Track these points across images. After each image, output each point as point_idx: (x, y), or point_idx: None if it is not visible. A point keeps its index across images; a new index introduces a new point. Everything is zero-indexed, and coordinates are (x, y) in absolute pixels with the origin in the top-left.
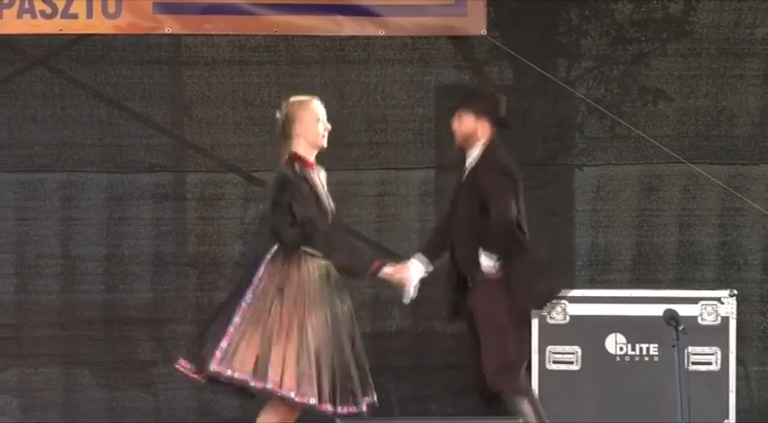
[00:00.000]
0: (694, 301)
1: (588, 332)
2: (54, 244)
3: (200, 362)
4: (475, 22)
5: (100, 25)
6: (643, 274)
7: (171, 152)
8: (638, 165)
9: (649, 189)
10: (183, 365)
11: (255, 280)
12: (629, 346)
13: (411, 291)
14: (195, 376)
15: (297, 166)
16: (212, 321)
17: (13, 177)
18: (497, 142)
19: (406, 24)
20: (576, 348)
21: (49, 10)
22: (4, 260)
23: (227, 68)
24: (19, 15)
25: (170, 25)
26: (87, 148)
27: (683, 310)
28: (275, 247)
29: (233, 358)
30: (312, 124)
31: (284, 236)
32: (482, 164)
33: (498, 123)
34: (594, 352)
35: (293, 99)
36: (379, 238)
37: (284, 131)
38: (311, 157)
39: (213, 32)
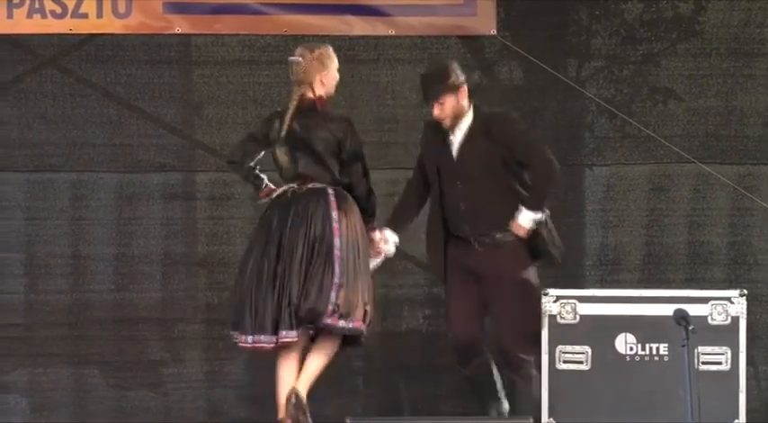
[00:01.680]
0: (704, 300)
1: (598, 332)
2: (64, 244)
3: (302, 318)
4: (485, 22)
5: (110, 25)
6: (653, 273)
7: (181, 152)
8: (647, 164)
9: (659, 189)
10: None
11: (334, 224)
12: (639, 345)
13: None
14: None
15: None
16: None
17: (22, 177)
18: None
19: (416, 24)
20: (586, 348)
21: (59, 10)
22: (13, 260)
23: (237, 68)
24: (29, 15)
25: (180, 25)
26: (97, 148)
27: (693, 310)
28: (331, 191)
29: (343, 309)
30: (335, 72)
31: (367, 182)
32: (491, 124)
33: (471, 82)
34: (604, 352)
35: (319, 44)
36: None
37: (310, 76)
38: None
39: (223, 32)
